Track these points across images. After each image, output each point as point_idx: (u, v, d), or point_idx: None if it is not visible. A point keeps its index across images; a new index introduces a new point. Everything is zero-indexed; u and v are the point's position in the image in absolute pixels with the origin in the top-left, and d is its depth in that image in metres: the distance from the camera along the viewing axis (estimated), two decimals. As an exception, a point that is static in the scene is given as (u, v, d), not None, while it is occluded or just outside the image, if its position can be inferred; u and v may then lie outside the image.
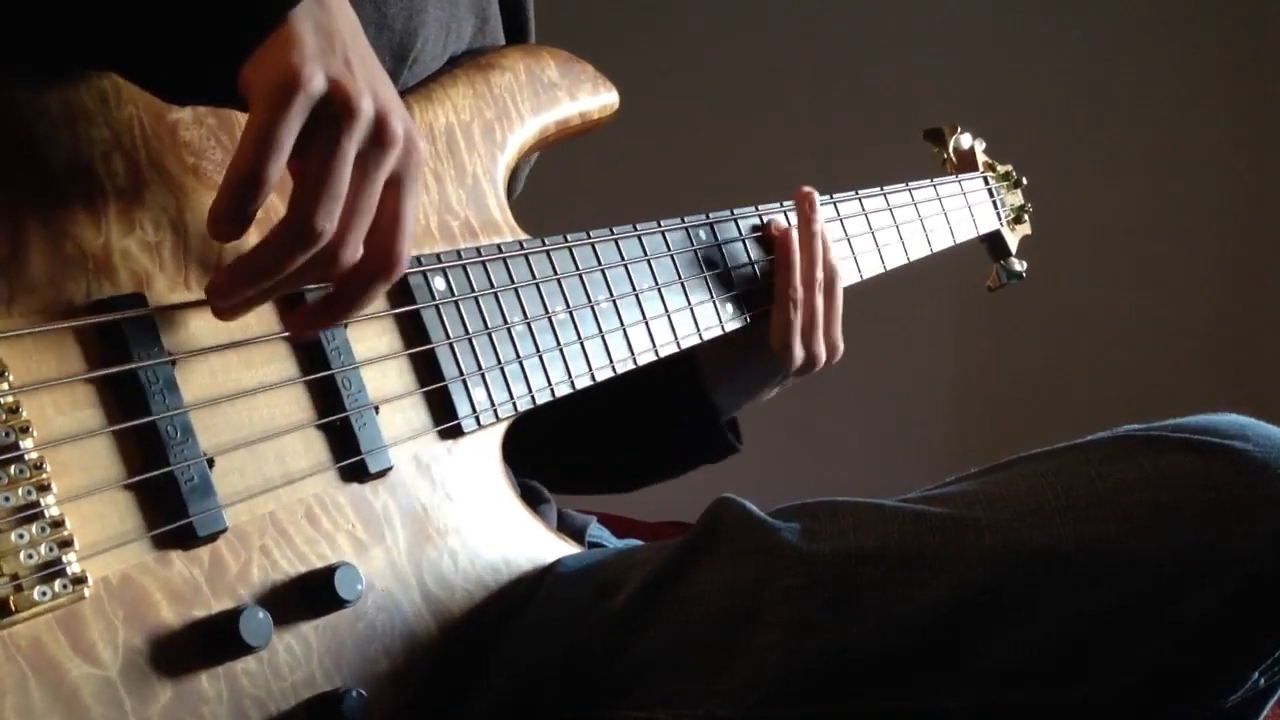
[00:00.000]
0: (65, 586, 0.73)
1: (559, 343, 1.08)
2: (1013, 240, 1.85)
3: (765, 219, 1.33)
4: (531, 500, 1.12)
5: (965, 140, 1.85)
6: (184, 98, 0.83)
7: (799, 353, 1.29)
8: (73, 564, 0.74)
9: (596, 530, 1.24)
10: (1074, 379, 3.33)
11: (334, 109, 0.77)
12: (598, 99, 1.23)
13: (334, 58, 0.77)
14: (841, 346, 1.34)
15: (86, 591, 0.74)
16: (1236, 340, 3.36)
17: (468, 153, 1.08)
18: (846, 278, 1.39)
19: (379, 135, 0.79)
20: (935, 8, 3.32)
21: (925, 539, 0.89)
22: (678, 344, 1.20)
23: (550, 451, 1.29)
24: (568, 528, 1.12)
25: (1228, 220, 3.37)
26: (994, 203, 1.78)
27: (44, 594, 0.72)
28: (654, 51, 3.14)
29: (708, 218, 1.27)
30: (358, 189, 0.79)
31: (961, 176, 1.73)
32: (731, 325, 1.26)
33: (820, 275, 1.29)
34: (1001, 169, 1.87)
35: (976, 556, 0.86)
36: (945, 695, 0.86)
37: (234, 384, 0.86)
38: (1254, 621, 0.82)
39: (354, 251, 0.81)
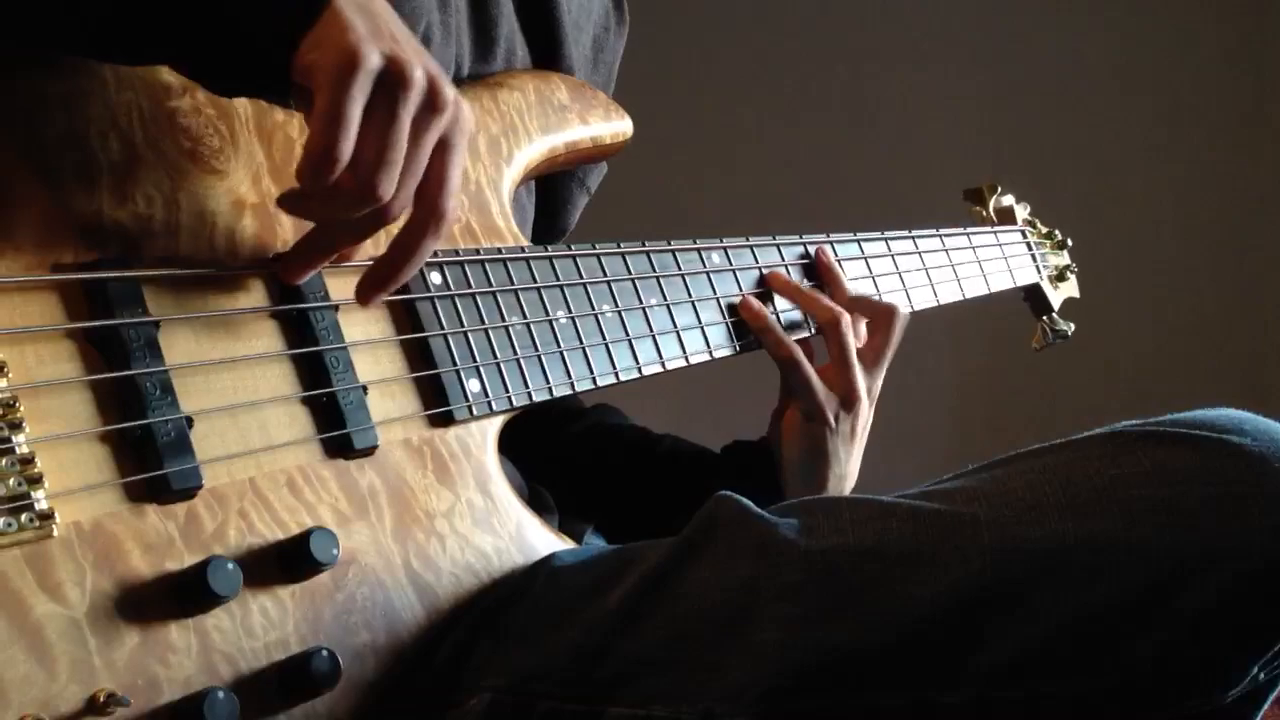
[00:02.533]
0: (32, 520, 0.75)
1: (560, 345, 1.09)
2: (1056, 298, 1.84)
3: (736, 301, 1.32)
4: (536, 507, 1.12)
5: (1006, 200, 1.85)
6: (234, 88, 0.88)
7: (821, 404, 1.29)
8: (41, 501, 0.76)
9: (592, 538, 1.24)
10: (1073, 376, 3.26)
11: (392, 81, 0.82)
12: (610, 125, 1.25)
13: (383, 35, 0.83)
14: (860, 388, 1.32)
15: (55, 529, 0.76)
16: (1235, 338, 3.29)
17: (472, 162, 1.11)
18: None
19: (432, 102, 0.85)
20: (939, 20, 3.33)
21: (924, 535, 0.88)
22: (686, 359, 1.20)
23: (601, 507, 1.37)
24: (566, 533, 1.12)
25: (1227, 217, 3.32)
26: (1032, 256, 1.77)
27: (9, 525, 0.74)
28: (677, 78, 3.17)
29: (721, 242, 1.28)
30: (411, 152, 0.85)
31: (998, 229, 1.73)
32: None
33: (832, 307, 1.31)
34: (1044, 229, 1.87)
35: (975, 552, 0.85)
36: (945, 691, 0.84)
37: (219, 353, 0.88)
38: (1253, 615, 0.81)
39: (402, 206, 0.87)
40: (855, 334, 1.31)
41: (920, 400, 3.27)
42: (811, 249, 1.38)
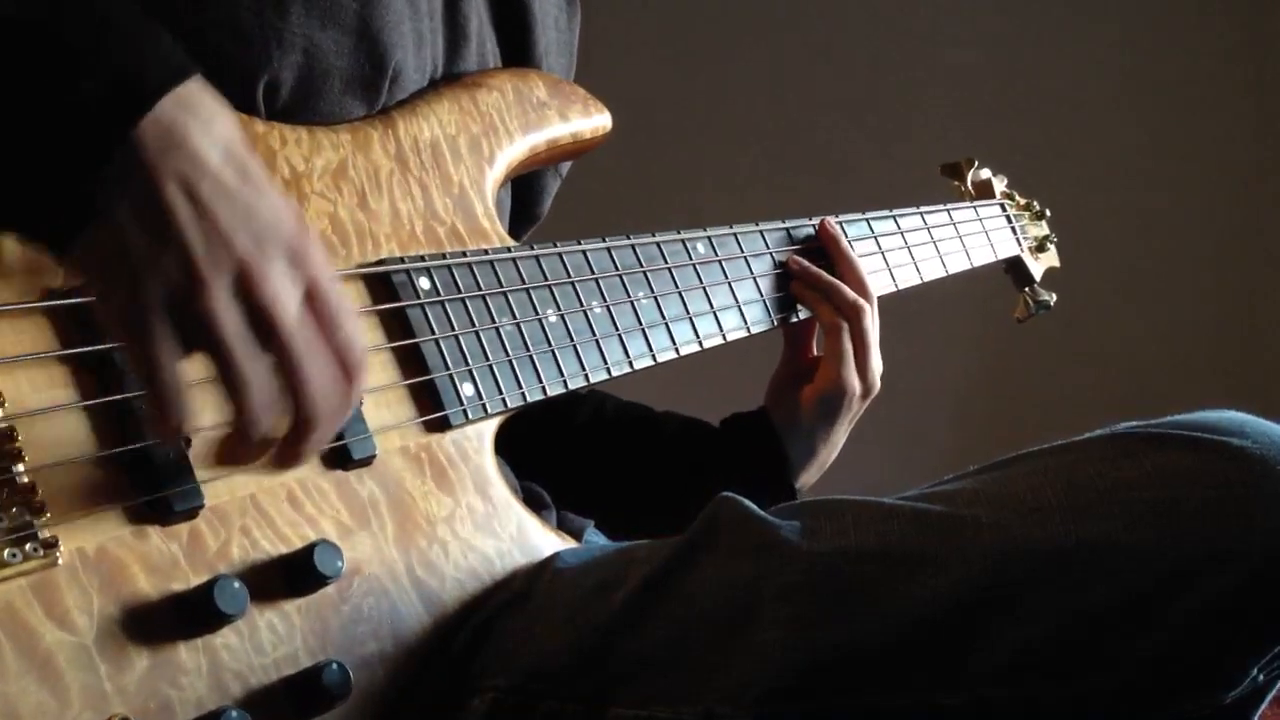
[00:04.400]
0: (36, 550, 0.75)
1: (550, 344, 1.09)
2: (1037, 269, 1.84)
3: (778, 257, 1.36)
4: (533, 505, 1.12)
5: (984, 174, 1.86)
6: None
7: (854, 382, 1.34)
8: (43, 530, 0.75)
9: (593, 535, 1.24)
10: (1074, 377, 3.28)
11: (190, 325, 0.74)
12: (590, 120, 1.25)
13: (168, 261, 0.72)
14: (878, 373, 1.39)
15: (59, 558, 0.76)
16: (1236, 340, 3.31)
17: (454, 164, 1.11)
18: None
19: (252, 303, 0.76)
20: (936, 19, 3.34)
21: (925, 537, 0.88)
22: (676, 350, 1.21)
23: (608, 493, 1.39)
24: (566, 530, 1.12)
25: (1228, 218, 3.34)
26: (1012, 229, 1.77)
27: (14, 556, 0.74)
28: (656, 67, 3.16)
29: (705, 231, 1.29)
30: (280, 347, 0.77)
31: (977, 203, 1.73)
32: (734, 335, 1.27)
33: (856, 299, 1.35)
34: (1022, 200, 1.87)
35: (977, 554, 0.86)
36: (945, 693, 0.85)
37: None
38: (1253, 618, 0.81)
39: (323, 382, 0.79)
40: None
41: (921, 401, 3.28)
42: (799, 233, 1.38)
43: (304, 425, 0.80)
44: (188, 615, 0.81)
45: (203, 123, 0.75)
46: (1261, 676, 0.83)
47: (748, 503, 0.97)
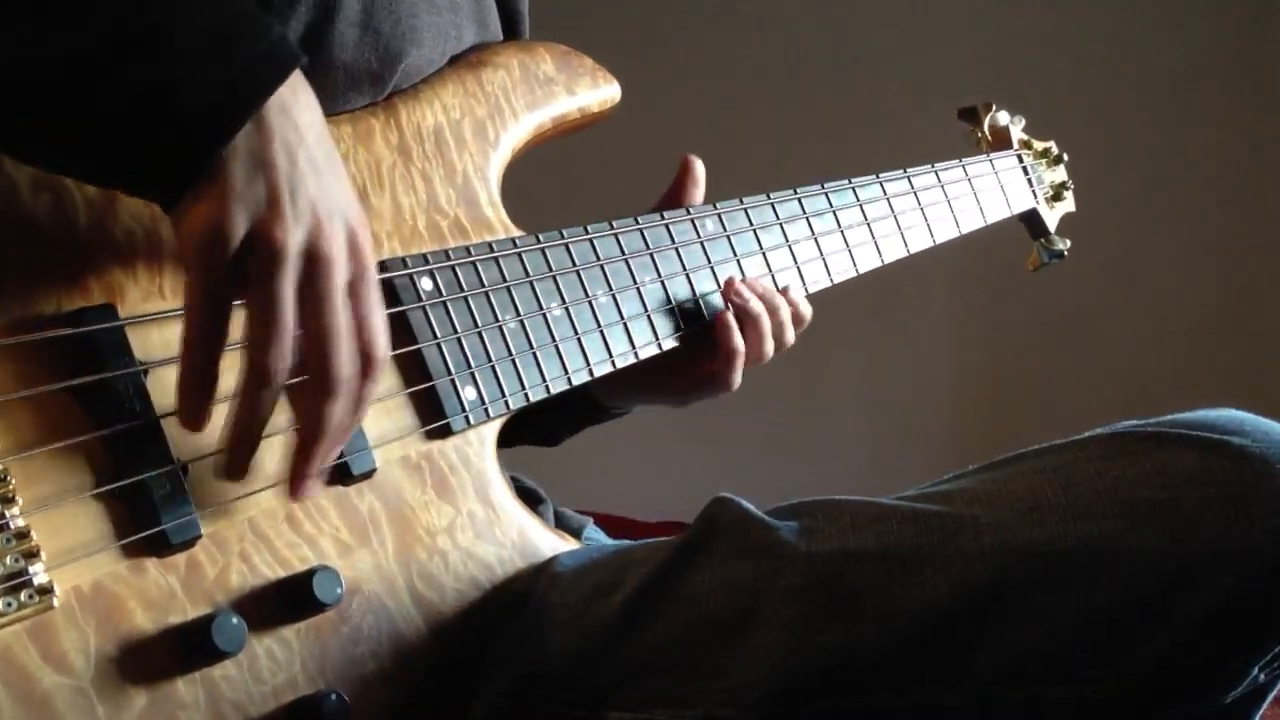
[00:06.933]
0: (31, 597, 0.74)
1: (554, 338, 1.07)
2: (1052, 218, 1.81)
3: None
4: (528, 501, 1.11)
5: (1002, 118, 1.81)
6: None
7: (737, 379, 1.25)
8: (39, 574, 0.75)
9: (593, 533, 1.24)
10: (1074, 376, 3.29)
11: (259, 251, 0.78)
12: (598, 93, 1.22)
13: (259, 194, 0.77)
14: None
15: (55, 601, 0.75)
16: (1236, 340, 3.30)
17: (458, 151, 1.08)
18: (867, 262, 1.39)
19: (314, 259, 0.80)
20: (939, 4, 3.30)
21: (925, 537, 0.88)
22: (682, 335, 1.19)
23: None
24: (564, 529, 1.11)
25: (1227, 217, 3.32)
26: (1029, 180, 1.74)
27: (9, 605, 0.74)
28: (655, 42, 3.12)
29: (715, 208, 1.26)
30: (321, 314, 0.80)
31: (993, 155, 1.69)
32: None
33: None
34: (1040, 145, 1.83)
35: (976, 555, 0.86)
36: (946, 694, 0.85)
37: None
38: (1254, 617, 0.81)
39: (346, 367, 0.82)
40: None
41: (920, 400, 3.28)
42: (809, 203, 1.35)
43: (321, 404, 0.81)
44: (186, 650, 0.81)
45: (305, 104, 0.81)
46: (1262, 676, 0.83)
47: (745, 503, 0.97)
